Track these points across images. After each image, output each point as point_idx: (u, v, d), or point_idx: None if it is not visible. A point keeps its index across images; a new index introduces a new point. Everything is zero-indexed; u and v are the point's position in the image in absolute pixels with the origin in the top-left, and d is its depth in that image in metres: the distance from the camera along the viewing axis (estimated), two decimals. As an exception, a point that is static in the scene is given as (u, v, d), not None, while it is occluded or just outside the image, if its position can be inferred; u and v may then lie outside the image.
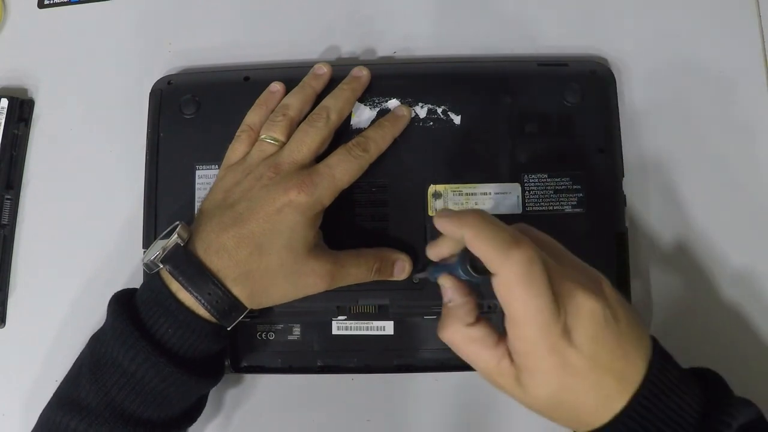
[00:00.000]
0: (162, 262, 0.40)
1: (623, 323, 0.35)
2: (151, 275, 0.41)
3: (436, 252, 0.39)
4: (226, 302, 0.40)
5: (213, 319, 0.40)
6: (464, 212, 0.36)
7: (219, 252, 0.40)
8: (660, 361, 0.36)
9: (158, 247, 0.41)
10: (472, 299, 0.37)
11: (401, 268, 0.44)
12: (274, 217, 0.41)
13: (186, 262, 0.40)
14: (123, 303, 0.41)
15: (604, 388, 0.35)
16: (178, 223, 0.41)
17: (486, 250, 0.34)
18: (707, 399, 0.36)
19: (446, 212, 0.37)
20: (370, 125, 0.46)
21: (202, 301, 0.40)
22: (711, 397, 0.36)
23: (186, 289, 0.39)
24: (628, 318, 0.36)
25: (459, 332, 0.37)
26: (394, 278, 0.44)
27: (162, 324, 0.40)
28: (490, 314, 0.45)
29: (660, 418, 0.34)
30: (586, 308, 0.34)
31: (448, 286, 0.38)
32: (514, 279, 0.33)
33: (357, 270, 0.43)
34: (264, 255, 0.40)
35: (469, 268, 0.36)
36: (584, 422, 0.35)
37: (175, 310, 0.40)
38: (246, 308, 0.41)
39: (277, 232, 0.41)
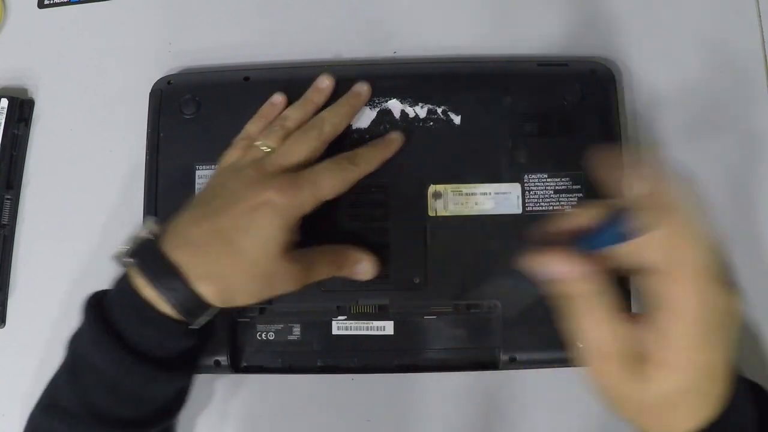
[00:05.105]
0: (130, 256, 0.39)
1: None
2: (122, 272, 0.40)
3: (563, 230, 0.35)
4: (190, 300, 0.38)
5: (179, 317, 0.39)
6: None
7: (187, 246, 0.39)
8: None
9: (129, 242, 0.40)
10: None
11: (364, 270, 0.43)
12: (250, 214, 0.39)
13: (151, 257, 0.39)
14: (94, 301, 0.40)
15: (701, 392, 0.31)
16: (150, 217, 0.40)
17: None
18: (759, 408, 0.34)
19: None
20: (363, 146, 0.45)
21: (165, 298, 0.38)
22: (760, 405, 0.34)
23: (150, 285, 0.38)
24: None
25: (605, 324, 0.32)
26: (355, 278, 0.44)
27: (129, 321, 0.39)
28: (490, 314, 0.45)
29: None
30: (732, 307, 0.30)
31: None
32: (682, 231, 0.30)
33: (321, 267, 0.42)
34: (236, 253, 0.39)
35: (627, 227, 0.31)
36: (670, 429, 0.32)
37: (141, 307, 0.38)
38: (213, 306, 0.39)
39: (252, 229, 0.39)
